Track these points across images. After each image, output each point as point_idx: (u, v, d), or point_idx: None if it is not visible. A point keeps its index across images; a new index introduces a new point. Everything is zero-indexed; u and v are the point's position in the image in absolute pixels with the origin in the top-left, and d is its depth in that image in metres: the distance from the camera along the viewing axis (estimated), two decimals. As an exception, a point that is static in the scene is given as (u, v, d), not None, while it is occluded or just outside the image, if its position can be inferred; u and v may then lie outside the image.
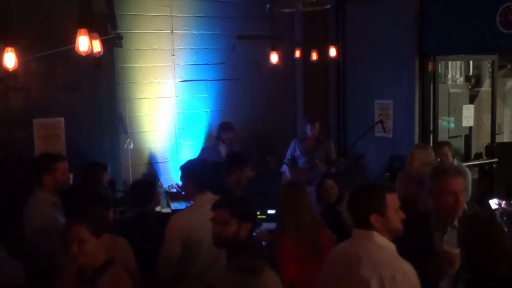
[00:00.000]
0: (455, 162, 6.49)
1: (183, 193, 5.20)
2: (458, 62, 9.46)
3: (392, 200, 2.76)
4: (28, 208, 4.34)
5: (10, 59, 4.94)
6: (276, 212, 4.61)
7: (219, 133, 7.06)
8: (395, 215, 2.75)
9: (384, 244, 2.72)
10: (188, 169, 3.82)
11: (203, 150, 7.36)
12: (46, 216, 4.21)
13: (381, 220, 2.70)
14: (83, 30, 4.24)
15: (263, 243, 4.26)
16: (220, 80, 7.78)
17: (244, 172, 4.91)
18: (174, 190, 7.05)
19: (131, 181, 6.98)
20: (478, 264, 2.95)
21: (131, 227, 4.66)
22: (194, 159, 4.12)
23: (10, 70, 5.05)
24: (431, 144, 7.43)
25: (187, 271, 3.62)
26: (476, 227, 3.09)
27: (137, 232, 4.38)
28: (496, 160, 8.07)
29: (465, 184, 3.38)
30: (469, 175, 6.06)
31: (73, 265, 3.08)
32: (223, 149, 6.98)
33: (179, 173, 3.99)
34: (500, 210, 6.02)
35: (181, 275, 3.63)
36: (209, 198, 3.65)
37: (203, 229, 3.41)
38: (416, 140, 7.49)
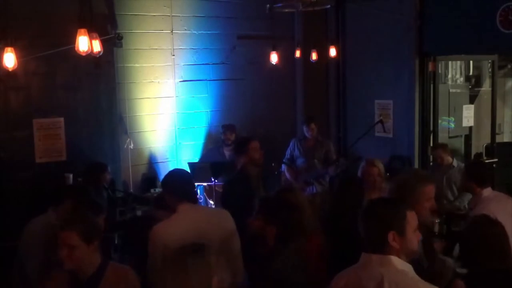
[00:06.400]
0: (455, 162, 6.50)
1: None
2: (458, 62, 9.46)
3: (412, 217, 2.47)
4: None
5: (10, 59, 4.95)
6: None
7: (223, 134, 7.18)
8: (413, 235, 2.47)
9: (404, 268, 2.41)
10: (166, 181, 3.79)
11: (207, 152, 7.39)
12: None
13: (399, 241, 2.41)
14: (83, 30, 4.24)
15: None
16: (220, 80, 7.77)
17: (251, 149, 4.82)
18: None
19: (131, 181, 7.00)
20: (475, 260, 2.97)
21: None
22: (174, 171, 4.10)
23: (10, 70, 5.06)
24: (431, 144, 7.45)
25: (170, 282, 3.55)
26: (478, 227, 3.10)
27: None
28: (496, 160, 8.05)
29: None
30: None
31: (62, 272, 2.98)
32: (227, 152, 7.01)
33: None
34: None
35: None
36: (189, 206, 3.62)
37: (183, 239, 3.36)
38: (416, 140, 7.48)
